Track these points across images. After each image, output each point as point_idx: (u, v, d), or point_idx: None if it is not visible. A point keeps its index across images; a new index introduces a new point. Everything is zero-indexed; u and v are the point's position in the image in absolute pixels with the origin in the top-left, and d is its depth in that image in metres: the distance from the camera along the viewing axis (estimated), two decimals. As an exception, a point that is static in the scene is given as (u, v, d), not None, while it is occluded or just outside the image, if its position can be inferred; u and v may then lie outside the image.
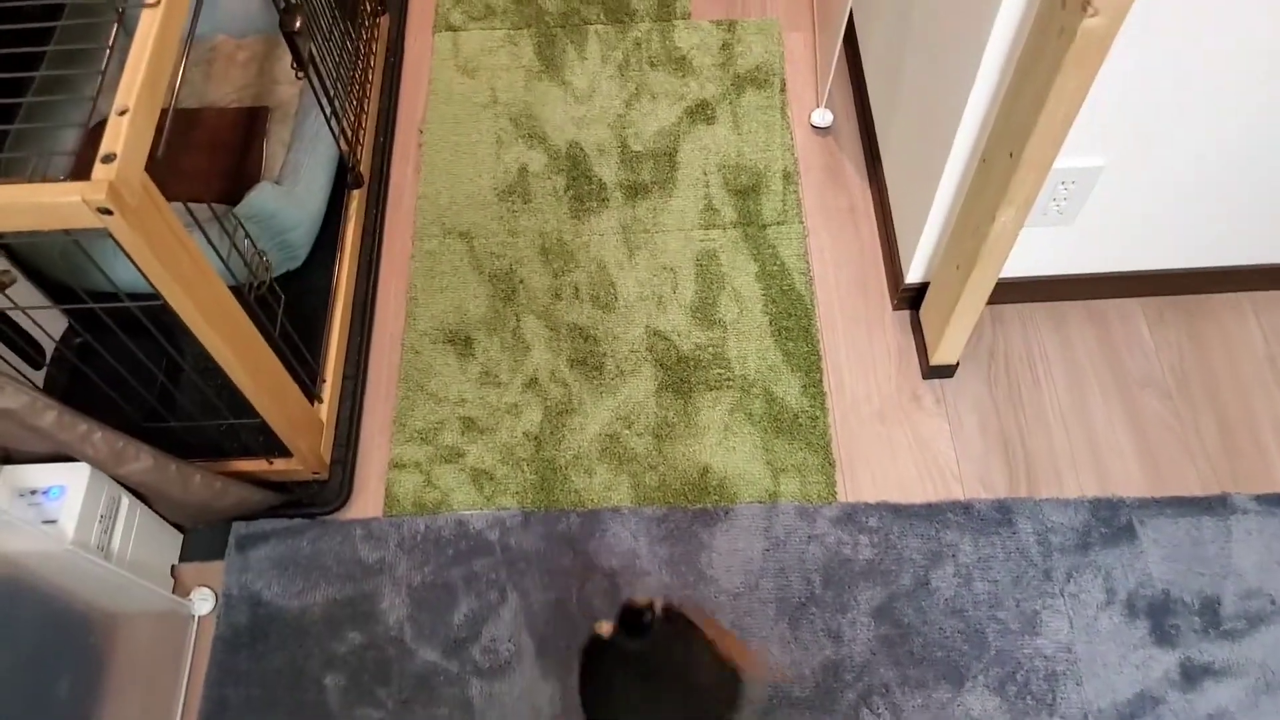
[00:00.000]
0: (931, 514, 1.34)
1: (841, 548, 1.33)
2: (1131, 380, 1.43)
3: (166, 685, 1.30)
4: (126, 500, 1.27)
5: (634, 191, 1.65)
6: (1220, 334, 1.46)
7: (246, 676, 1.30)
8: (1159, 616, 1.26)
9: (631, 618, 0.97)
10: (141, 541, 1.30)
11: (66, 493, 1.18)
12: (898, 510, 1.35)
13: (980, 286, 1.26)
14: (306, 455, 1.36)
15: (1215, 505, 1.33)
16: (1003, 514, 1.34)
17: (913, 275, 1.45)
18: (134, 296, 1.05)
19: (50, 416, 1.12)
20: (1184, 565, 1.29)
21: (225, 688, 1.29)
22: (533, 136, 1.72)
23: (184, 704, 1.30)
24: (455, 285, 1.58)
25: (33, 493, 1.19)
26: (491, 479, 1.41)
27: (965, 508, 1.35)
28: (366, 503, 1.41)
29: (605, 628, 0.99)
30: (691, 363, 1.48)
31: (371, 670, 1.29)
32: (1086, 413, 1.41)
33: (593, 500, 1.38)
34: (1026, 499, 1.35)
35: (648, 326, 1.52)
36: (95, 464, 1.19)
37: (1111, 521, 1.32)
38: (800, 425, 1.42)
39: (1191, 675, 1.23)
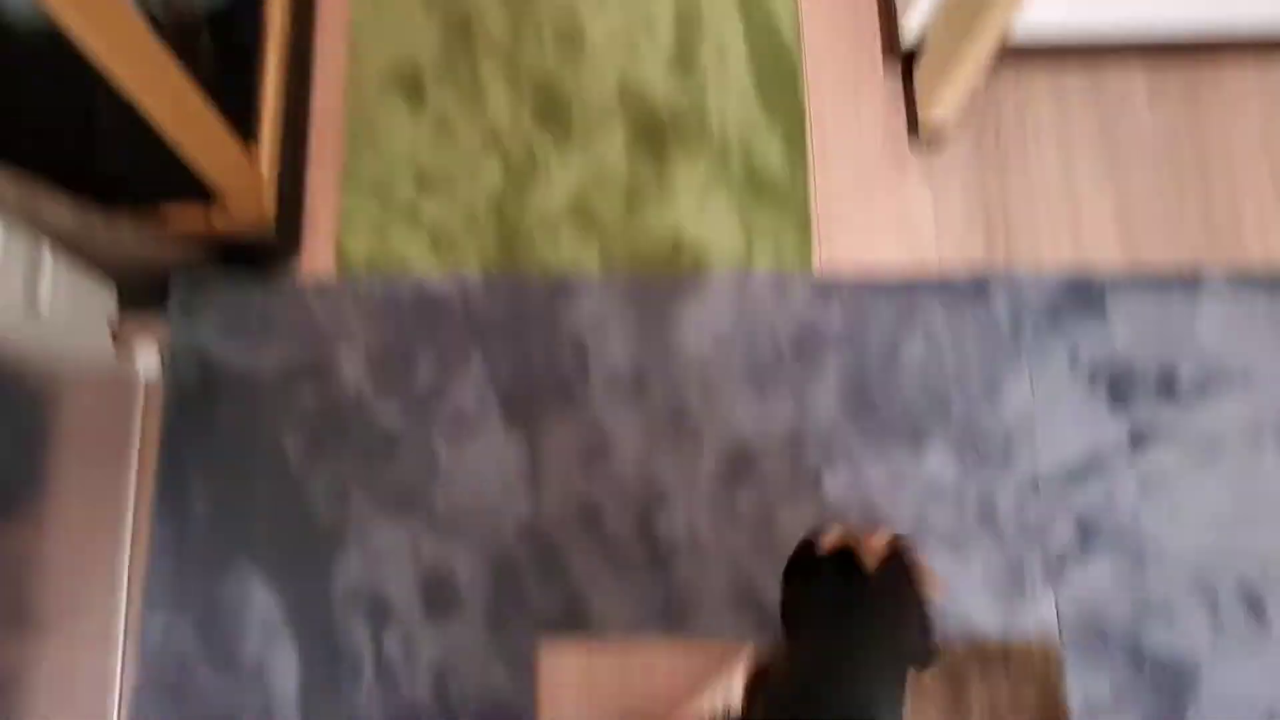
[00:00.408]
0: (906, 284, 1.32)
1: (813, 316, 1.31)
2: (1122, 153, 1.38)
3: (119, 444, 1.26)
4: (51, 256, 1.17)
5: (604, -82, 1.46)
6: (1219, 110, 1.40)
7: (200, 435, 1.27)
8: (1117, 386, 1.29)
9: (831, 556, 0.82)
10: (74, 299, 1.21)
11: (-17, 243, 1.07)
12: (872, 279, 1.32)
13: (978, 45, 1.16)
14: (245, 205, 1.26)
15: (1187, 280, 1.32)
16: (978, 285, 1.32)
17: (908, 34, 1.33)
18: (38, 33, 0.91)
19: (-50, 158, 1.00)
20: (1148, 338, 1.31)
21: (179, 446, 1.26)
22: None
23: (139, 464, 1.27)
24: (403, 22, 1.41)
25: (-55, 244, 1.08)
26: (450, 241, 1.33)
27: (941, 279, 1.32)
28: (317, 259, 1.33)
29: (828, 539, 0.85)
30: (667, 120, 1.38)
31: (331, 430, 1.27)
32: (1073, 184, 1.36)
33: (559, 266, 1.32)
34: (1003, 271, 1.33)
35: (620, 77, 1.39)
36: (11, 214, 1.08)
37: (1084, 294, 1.32)
38: (779, 189, 1.35)
39: (1139, 440, 1.27)
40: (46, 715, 1.15)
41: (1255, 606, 1.23)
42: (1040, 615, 1.22)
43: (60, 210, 1.10)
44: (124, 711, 1.19)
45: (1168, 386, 1.29)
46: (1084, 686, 1.21)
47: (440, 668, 1.20)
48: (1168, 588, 1.23)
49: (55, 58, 1.04)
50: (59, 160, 1.16)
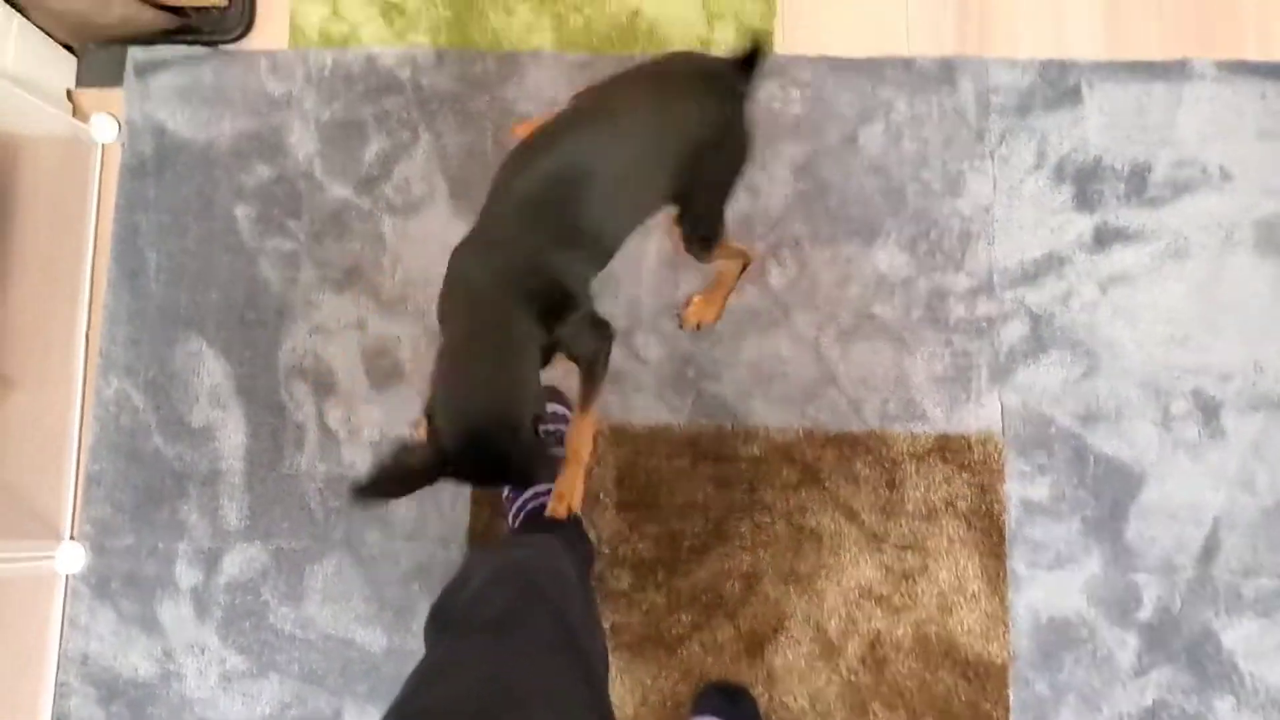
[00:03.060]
0: (870, 68, 1.26)
1: (770, 102, 1.26)
2: (1118, -67, 1.28)
3: (76, 210, 1.28)
4: (1, 8, 1.16)
5: None
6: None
7: (155, 204, 1.28)
8: (1085, 182, 1.23)
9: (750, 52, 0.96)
10: (25, 57, 1.21)
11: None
12: (835, 63, 1.26)
13: None
14: (197, -26, 1.24)
15: (1172, 70, 1.24)
16: (946, 71, 1.25)
17: None
18: None
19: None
20: (1123, 132, 1.24)
21: (135, 214, 1.28)
22: None
23: (96, 230, 1.29)
24: None
25: (-117, -19, 1.08)
26: (402, 13, 1.30)
27: (907, 63, 1.26)
28: (271, 34, 1.31)
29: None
30: (629, -107, 1.31)
31: (282, 203, 1.27)
32: (1058, -32, 1.28)
33: (511, 41, 1.29)
34: (974, 57, 1.26)
35: None
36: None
37: (1059, 84, 1.25)
38: (743, -31, 1.29)
39: (1103, 239, 1.22)
40: (9, 464, 1.20)
41: (1210, 416, 1.19)
42: (985, 414, 1.20)
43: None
44: (81, 467, 1.25)
45: (1139, 183, 1.23)
46: (1023, 487, 1.19)
47: (379, 438, 1.22)
48: (1119, 393, 1.20)
49: None
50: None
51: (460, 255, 0.92)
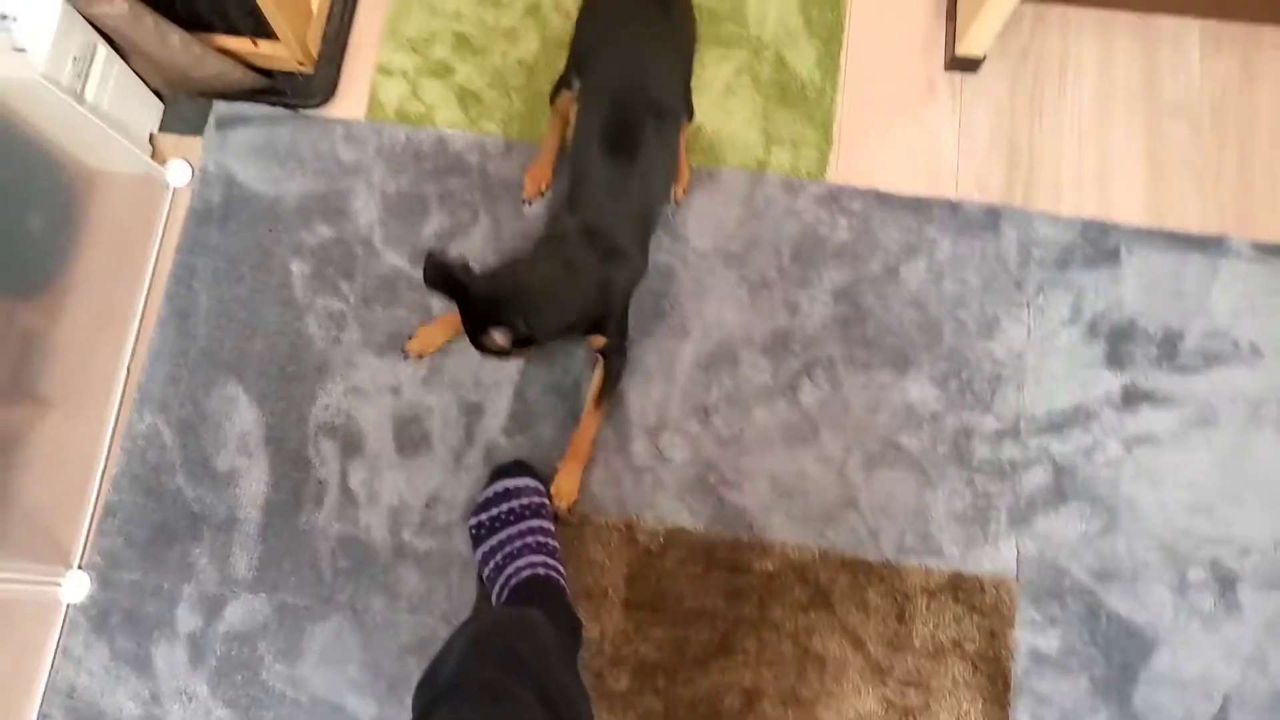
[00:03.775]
0: (918, 207, 1.30)
1: (819, 226, 1.30)
2: (1164, 106, 1.34)
3: (139, 246, 1.33)
4: (104, 50, 1.23)
5: None
6: (1275, 73, 1.34)
7: (215, 250, 1.32)
8: (1118, 341, 1.26)
9: None
10: (119, 98, 1.27)
11: (37, 23, 1.13)
12: (884, 198, 1.31)
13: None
14: (293, 42, 1.31)
15: (1209, 245, 1.28)
16: (990, 219, 1.30)
17: (962, -46, 1.31)
18: None
19: (16, -71, 1.06)
20: (1159, 298, 1.27)
21: (194, 256, 1.32)
22: None
23: (155, 267, 1.33)
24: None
25: (2, 18, 1.15)
26: (479, 101, 1.36)
27: (953, 206, 1.30)
28: (350, 103, 1.37)
29: None
30: (706, 12, 1.38)
31: (337, 264, 1.31)
32: (1106, 132, 1.33)
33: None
34: (1019, 208, 1.30)
35: (667, -31, 1.40)
36: (67, -3, 1.14)
37: (1099, 244, 1.29)
38: (806, 97, 1.35)
39: (1132, 399, 1.24)
40: (33, 484, 1.21)
41: (1226, 589, 1.19)
42: (1000, 557, 1.20)
43: (119, 4, 1.16)
44: (102, 495, 1.26)
45: (1170, 349, 1.25)
46: (1033, 636, 1.18)
47: (398, 506, 1.23)
48: (1137, 553, 1.20)
49: None
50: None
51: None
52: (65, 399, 1.23)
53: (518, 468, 1.20)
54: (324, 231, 1.32)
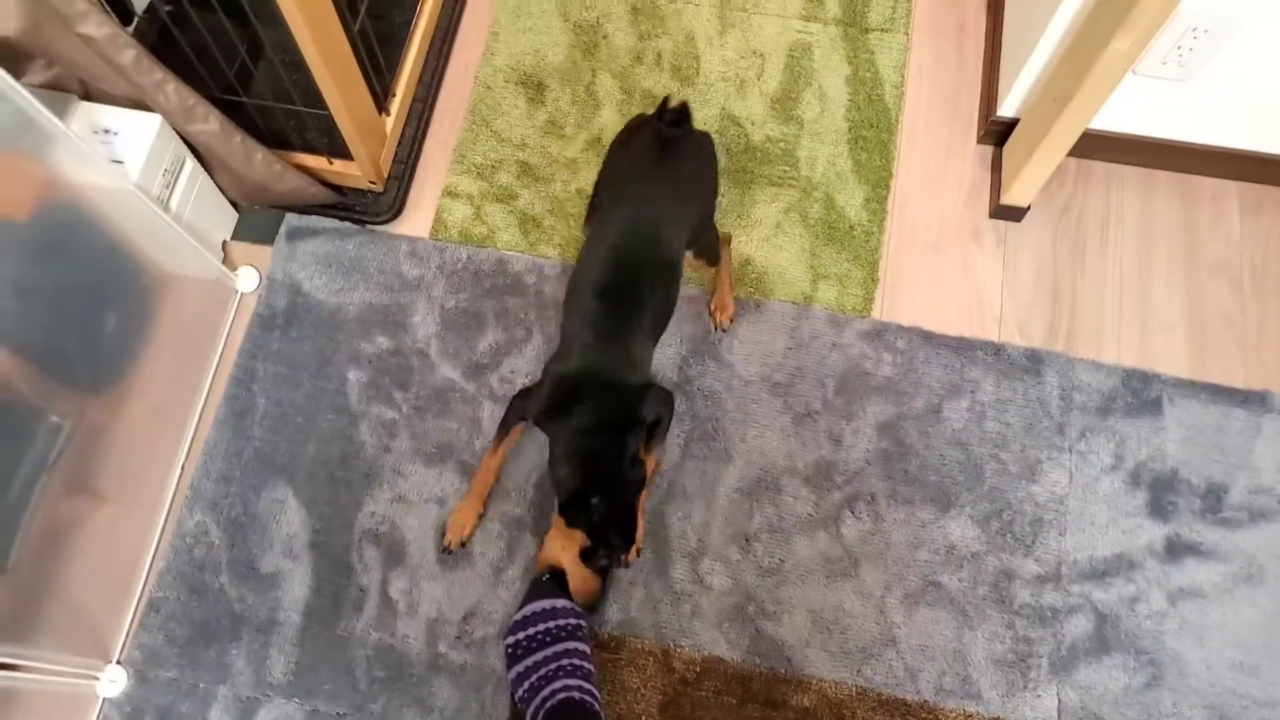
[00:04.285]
0: (961, 347, 1.33)
1: (863, 361, 1.33)
2: (1205, 263, 1.37)
3: (203, 348, 1.38)
4: (191, 163, 1.31)
5: (742, -30, 1.56)
6: (1315, 236, 1.38)
7: (276, 355, 1.37)
8: (1160, 491, 1.26)
9: (674, 111, 1.18)
10: (199, 207, 1.34)
11: (136, 138, 1.21)
12: (928, 337, 1.34)
13: (1074, 122, 1.20)
14: (366, 162, 1.38)
15: (1253, 400, 1.29)
16: (1033, 362, 1.32)
17: (1007, 108, 1.37)
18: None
19: (130, 55, 1.14)
20: (1202, 450, 1.28)
21: (255, 360, 1.37)
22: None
23: (216, 368, 1.38)
24: (539, 28, 1.54)
25: (106, 131, 1.23)
26: (538, 226, 1.42)
27: (997, 349, 1.33)
28: (416, 222, 1.44)
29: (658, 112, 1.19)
30: (759, 154, 1.45)
31: (393, 374, 1.35)
32: (1148, 285, 1.36)
33: (632, 266, 1.39)
34: (1061, 354, 1.33)
35: (724, 109, 1.48)
36: (166, 115, 1.22)
37: (1141, 393, 1.30)
38: (854, 237, 1.40)
39: (1176, 550, 1.24)
40: (81, 577, 1.23)
41: (1274, 753, 1.16)
42: (1041, 706, 1.18)
43: (213, 124, 1.24)
44: (146, 590, 1.28)
45: (1214, 502, 1.26)
46: (1073, 792, 1.16)
47: (436, 618, 1.24)
48: (1183, 712, 1.18)
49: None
50: (218, 85, 1.30)
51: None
52: (120, 493, 1.26)
53: (555, 585, 1.21)
54: (382, 342, 1.37)
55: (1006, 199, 1.37)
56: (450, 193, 1.45)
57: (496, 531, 1.27)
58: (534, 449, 1.30)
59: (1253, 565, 1.23)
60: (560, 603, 1.18)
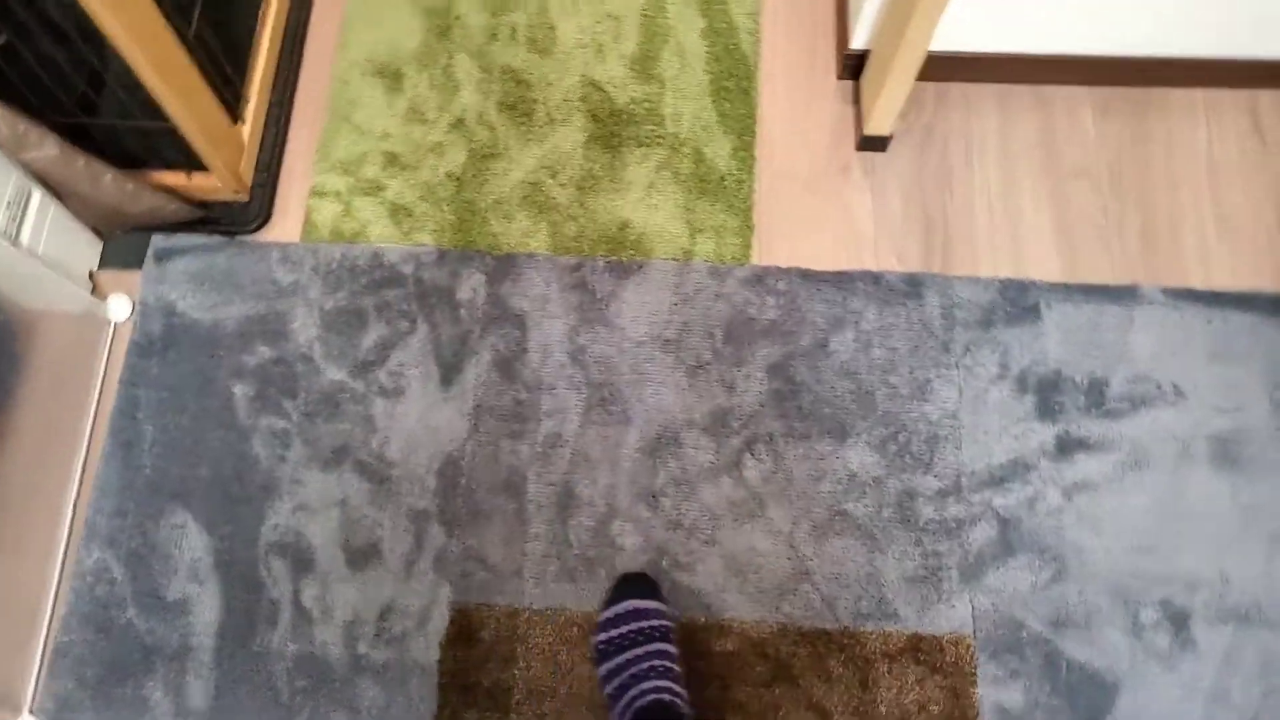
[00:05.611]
0: (841, 281, 1.35)
1: (747, 307, 1.35)
2: (1066, 170, 1.41)
3: (81, 383, 1.34)
4: (38, 194, 1.26)
5: (587, -64, 1.56)
6: (1165, 131, 1.43)
7: (158, 380, 1.33)
8: (1046, 393, 1.30)
9: None
10: (57, 238, 1.30)
11: (-31, 175, 1.17)
12: (807, 275, 1.36)
13: (916, 46, 1.21)
14: (225, 173, 1.35)
15: (1124, 294, 1.34)
16: (912, 286, 1.35)
17: (858, 40, 1.39)
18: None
19: (-55, 87, 1.10)
20: (1081, 348, 1.31)
21: (137, 389, 1.33)
22: None
23: (98, 402, 1.34)
24: (390, 17, 1.52)
25: (-67, 172, 1.18)
26: (410, 215, 1.40)
27: (875, 278, 1.35)
28: (285, 227, 1.41)
29: None
30: (625, 116, 1.45)
31: (279, 383, 1.33)
32: (1014, 198, 1.40)
33: (509, 245, 1.39)
34: (939, 275, 1.35)
35: (584, 75, 1.47)
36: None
37: (1019, 302, 1.34)
38: (725, 188, 1.41)
39: (1067, 447, 1.27)
40: (-22, 632, 1.19)
41: (1179, 627, 1.20)
42: (956, 615, 1.21)
43: (50, 149, 1.20)
44: (51, 636, 1.24)
45: (1098, 396, 1.29)
46: (996, 692, 1.18)
47: (353, 620, 1.22)
48: (1089, 599, 1.22)
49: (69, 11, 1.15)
50: (60, 112, 1.26)
51: None
52: (13, 544, 1.22)
53: (644, 584, 1.20)
54: (264, 353, 1.34)
55: (869, 130, 1.39)
56: (318, 192, 1.42)
57: (404, 526, 1.26)
58: (436, 439, 1.29)
59: (1139, 451, 1.27)
60: (651, 604, 1.17)
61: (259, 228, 1.41)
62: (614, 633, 1.14)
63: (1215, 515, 1.24)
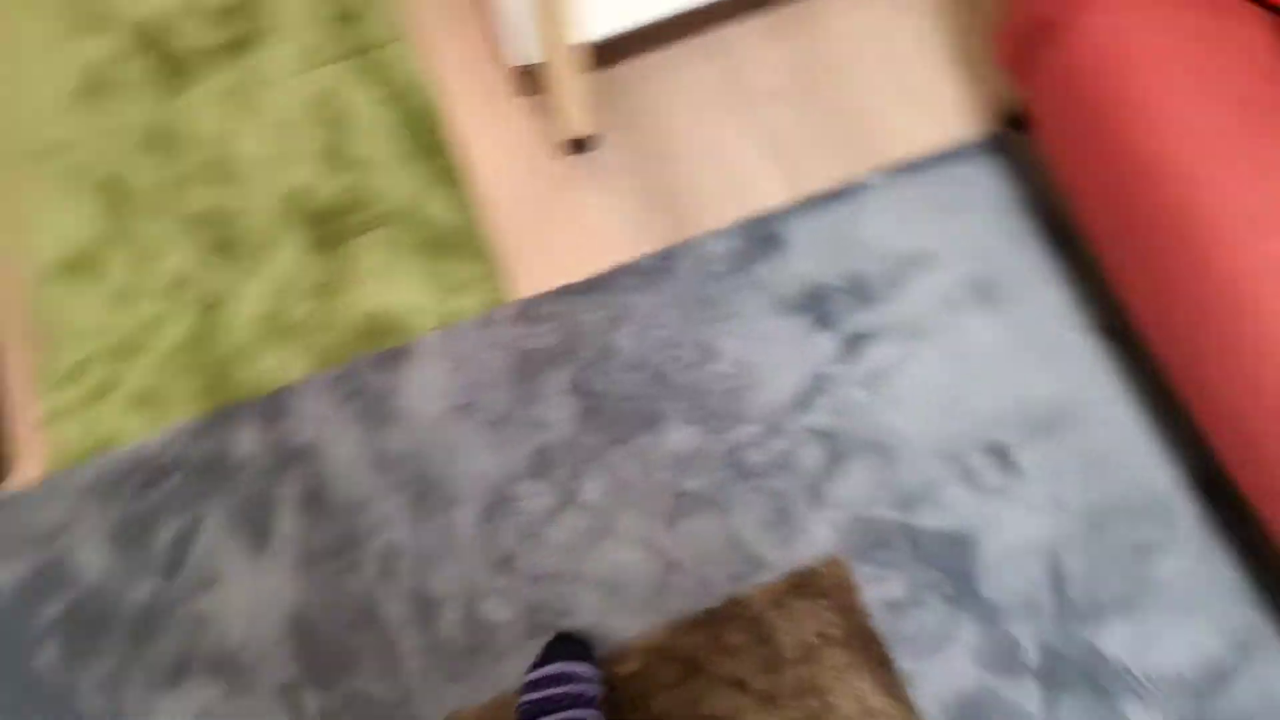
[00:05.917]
0: (601, 284, 1.37)
1: (524, 342, 1.35)
2: (758, 98, 1.48)
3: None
4: None
5: (228, 51, 1.51)
6: (831, 33, 1.51)
7: (-43, 678, 1.21)
8: (816, 306, 1.36)
9: None
10: None
11: None
12: (569, 290, 1.37)
13: (567, 44, 1.24)
14: (-62, 440, 1.24)
15: (847, 192, 1.42)
16: (665, 261, 1.38)
17: (518, 58, 1.41)
18: None
19: None
20: (830, 255, 1.39)
21: (-63, 696, 1.21)
22: (94, 20, 1.52)
23: (-98, 728, 1.21)
24: (55, 210, 1.42)
25: None
26: (156, 399, 1.33)
27: (631, 268, 1.38)
28: (31, 469, 1.31)
29: None
30: (336, 211, 1.42)
31: (87, 625, 1.23)
32: (722, 143, 1.45)
33: (269, 384, 1.33)
34: (685, 242, 1.40)
35: (280, 188, 1.43)
36: None
37: (760, 235, 1.40)
38: (460, 240, 1.40)
39: (853, 346, 1.34)
40: None
41: (1002, 460, 1.30)
42: (818, 539, 1.26)
43: None
44: None
45: (861, 290, 1.37)
46: (879, 591, 1.24)
47: (268, 815, 1.16)
48: (921, 471, 1.29)
49: None
50: None
51: None
52: None
53: (576, 645, 1.17)
54: (57, 606, 1.24)
55: (571, 134, 1.41)
56: (51, 417, 1.32)
57: (277, 706, 1.20)
58: (273, 607, 1.23)
59: (913, 322, 1.35)
60: (578, 667, 1.14)
61: (2, 482, 1.30)
62: (538, 695, 1.13)
63: (994, 351, 1.34)
